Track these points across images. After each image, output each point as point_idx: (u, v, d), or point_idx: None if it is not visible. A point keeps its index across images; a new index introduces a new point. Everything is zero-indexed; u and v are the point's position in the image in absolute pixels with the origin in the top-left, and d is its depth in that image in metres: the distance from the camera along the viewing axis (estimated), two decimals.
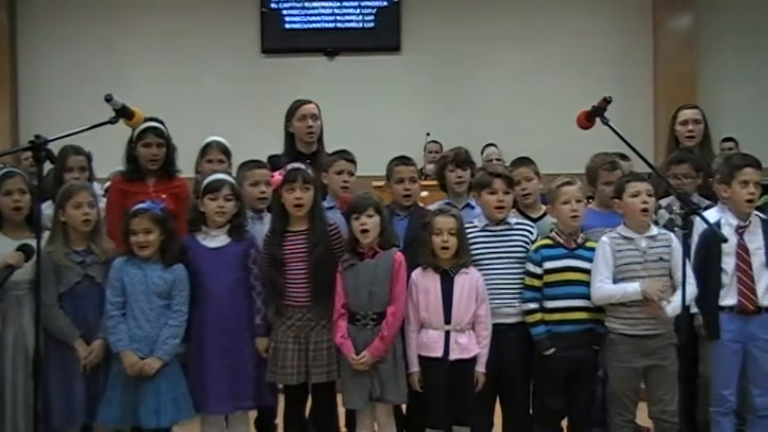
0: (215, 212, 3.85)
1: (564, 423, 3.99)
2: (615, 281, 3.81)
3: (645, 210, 3.84)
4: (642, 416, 4.07)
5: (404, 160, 4.28)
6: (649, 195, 3.81)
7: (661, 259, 3.79)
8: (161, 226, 3.76)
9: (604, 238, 3.89)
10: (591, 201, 4.39)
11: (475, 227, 3.97)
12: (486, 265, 3.90)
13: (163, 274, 3.75)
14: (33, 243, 3.48)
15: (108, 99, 3.43)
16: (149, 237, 3.73)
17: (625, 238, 3.87)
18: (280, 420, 4.13)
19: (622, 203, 3.90)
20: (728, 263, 3.92)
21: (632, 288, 3.76)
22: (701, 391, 4.13)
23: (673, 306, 3.73)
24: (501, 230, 3.97)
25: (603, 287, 3.81)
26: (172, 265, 3.77)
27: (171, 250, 3.79)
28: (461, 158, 4.35)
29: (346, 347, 3.73)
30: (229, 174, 4.15)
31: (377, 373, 3.72)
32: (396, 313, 3.74)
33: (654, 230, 3.89)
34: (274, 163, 4.40)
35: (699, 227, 3.93)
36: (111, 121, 3.49)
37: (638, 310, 3.78)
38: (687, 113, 4.95)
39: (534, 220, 4.20)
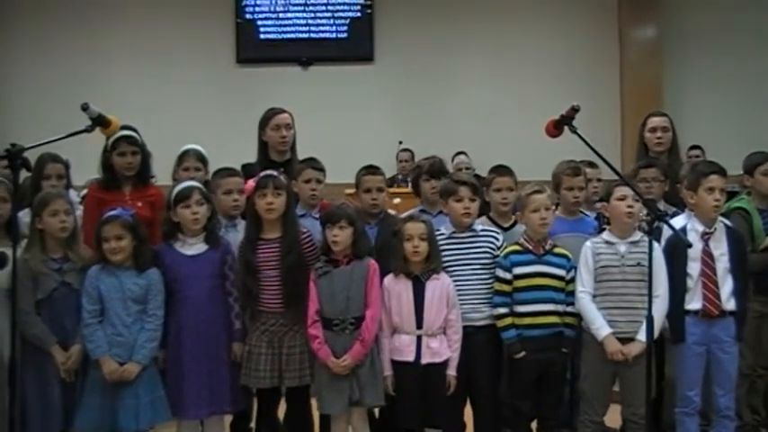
0: (191, 220, 3.86)
1: (533, 424, 4.04)
2: (594, 284, 3.88)
3: (630, 213, 3.90)
4: (611, 417, 4.13)
5: (371, 170, 4.33)
6: (635, 200, 3.85)
7: (639, 264, 3.81)
8: (132, 232, 3.76)
9: (587, 243, 3.96)
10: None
11: (443, 234, 4.01)
12: (454, 270, 3.95)
13: (137, 280, 3.76)
14: (9, 251, 3.46)
15: (84, 108, 3.42)
16: (121, 243, 3.74)
17: (607, 242, 3.94)
18: (254, 424, 4.15)
19: (609, 206, 3.97)
20: (694, 268, 3.97)
21: (600, 329, 3.82)
22: (667, 392, 4.21)
23: (638, 344, 3.74)
24: (467, 237, 4.02)
25: (582, 302, 3.88)
26: (145, 271, 3.78)
27: (143, 255, 3.80)
28: (435, 169, 4.42)
29: (324, 353, 3.74)
30: (199, 180, 4.17)
31: (356, 377, 3.75)
32: (374, 317, 3.77)
33: (637, 236, 3.92)
34: (248, 171, 4.42)
35: (666, 232, 4.00)
36: (88, 130, 3.47)
37: (615, 312, 3.85)
38: (656, 121, 5.03)
39: (505, 230, 4.23)
